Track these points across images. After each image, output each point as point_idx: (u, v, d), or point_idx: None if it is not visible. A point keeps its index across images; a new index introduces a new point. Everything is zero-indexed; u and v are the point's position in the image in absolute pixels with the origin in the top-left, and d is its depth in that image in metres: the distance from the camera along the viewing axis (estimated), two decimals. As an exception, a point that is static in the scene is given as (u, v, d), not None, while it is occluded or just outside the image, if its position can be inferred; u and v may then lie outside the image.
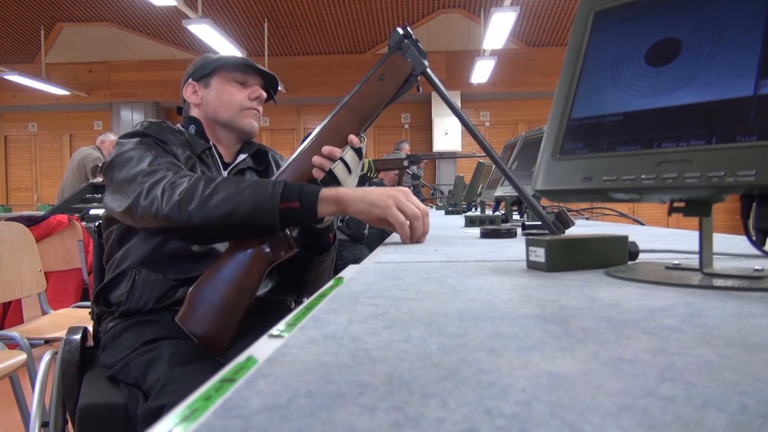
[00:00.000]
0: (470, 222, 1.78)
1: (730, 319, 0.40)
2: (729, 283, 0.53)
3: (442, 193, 6.30)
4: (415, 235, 1.02)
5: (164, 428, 0.23)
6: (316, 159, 1.05)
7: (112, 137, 3.92)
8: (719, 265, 0.63)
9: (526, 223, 1.34)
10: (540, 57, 8.27)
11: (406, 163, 3.28)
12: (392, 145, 6.89)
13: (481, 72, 7.36)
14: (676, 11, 0.59)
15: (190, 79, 1.35)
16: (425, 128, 8.62)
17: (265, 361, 0.31)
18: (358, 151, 1.07)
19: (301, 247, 1.16)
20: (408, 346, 0.34)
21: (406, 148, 5.94)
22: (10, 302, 2.67)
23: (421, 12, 7.71)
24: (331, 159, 1.05)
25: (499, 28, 5.81)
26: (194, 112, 1.34)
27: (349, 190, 1.01)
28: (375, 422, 0.22)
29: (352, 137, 1.06)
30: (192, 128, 1.30)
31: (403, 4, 7.42)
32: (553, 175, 0.64)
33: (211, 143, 1.30)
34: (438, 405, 0.24)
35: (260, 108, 1.34)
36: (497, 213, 1.93)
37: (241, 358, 0.33)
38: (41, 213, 3.36)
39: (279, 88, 1.42)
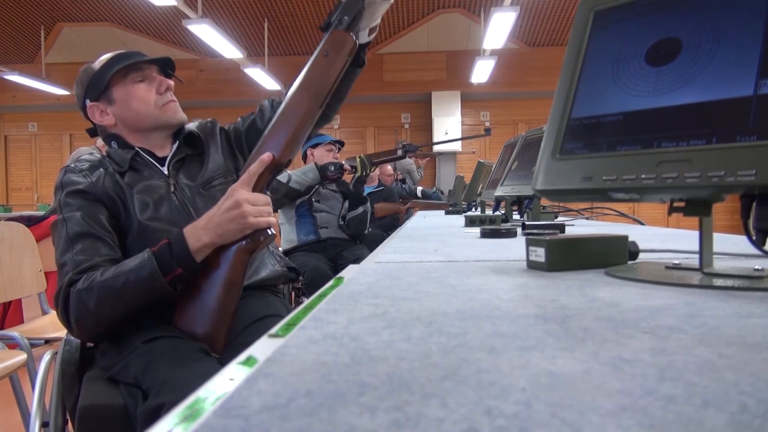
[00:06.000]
0: (470, 222, 1.78)
1: (730, 319, 0.40)
2: (729, 282, 0.53)
3: (442, 192, 6.30)
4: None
5: (164, 428, 0.23)
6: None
7: None
8: (719, 264, 0.63)
9: (527, 222, 1.34)
10: (540, 57, 8.27)
11: (400, 152, 3.19)
12: (392, 144, 6.89)
13: (481, 72, 7.35)
14: (676, 11, 0.59)
15: (89, 102, 1.24)
16: (425, 128, 8.62)
17: (265, 361, 0.31)
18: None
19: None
20: (408, 346, 0.34)
21: (406, 148, 5.93)
22: (10, 302, 2.67)
23: (421, 12, 7.71)
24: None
25: (499, 28, 5.81)
26: (114, 130, 1.26)
27: (204, 229, 1.05)
28: (375, 422, 0.22)
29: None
30: (114, 144, 1.24)
31: (403, 4, 7.42)
32: (553, 175, 0.64)
33: (136, 148, 1.23)
34: (438, 405, 0.24)
35: (173, 97, 1.27)
36: (497, 213, 1.93)
37: (241, 357, 0.33)
38: (41, 213, 3.35)
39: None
